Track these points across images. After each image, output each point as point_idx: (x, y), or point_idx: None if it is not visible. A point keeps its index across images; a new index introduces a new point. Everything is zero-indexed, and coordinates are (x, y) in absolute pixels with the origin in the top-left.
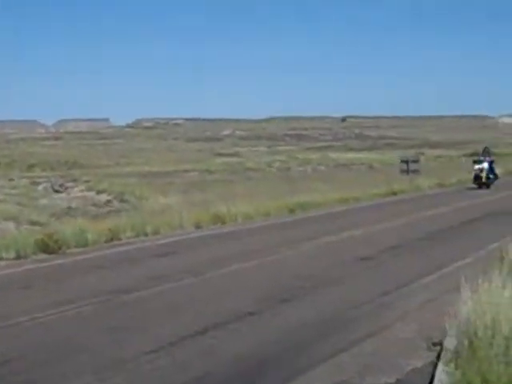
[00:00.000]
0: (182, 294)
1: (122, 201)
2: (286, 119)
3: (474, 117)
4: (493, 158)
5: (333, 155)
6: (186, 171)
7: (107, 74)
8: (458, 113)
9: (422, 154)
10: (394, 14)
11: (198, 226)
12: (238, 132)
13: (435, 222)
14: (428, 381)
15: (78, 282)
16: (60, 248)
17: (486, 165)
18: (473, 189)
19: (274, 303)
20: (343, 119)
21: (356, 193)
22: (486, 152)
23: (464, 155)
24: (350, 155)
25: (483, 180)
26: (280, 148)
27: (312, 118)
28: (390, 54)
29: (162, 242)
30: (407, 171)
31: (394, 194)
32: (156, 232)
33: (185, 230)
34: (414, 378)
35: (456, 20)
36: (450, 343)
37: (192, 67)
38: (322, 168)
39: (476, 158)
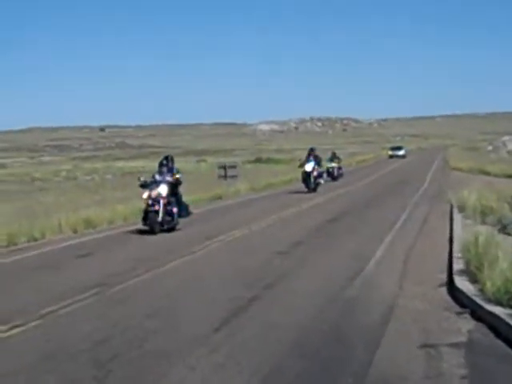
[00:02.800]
0: None
1: None
2: (45, 130)
3: (232, 124)
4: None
5: (118, 164)
6: None
7: None
8: (215, 120)
9: (204, 160)
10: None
11: (74, 231)
12: None
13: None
14: None
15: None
16: None
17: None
18: (291, 192)
19: None
20: (102, 129)
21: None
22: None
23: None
24: (133, 164)
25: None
26: (44, 159)
27: (71, 128)
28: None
29: (73, 242)
30: (225, 176)
31: (220, 197)
32: (42, 236)
33: (65, 234)
34: None
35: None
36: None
37: None
38: (109, 177)
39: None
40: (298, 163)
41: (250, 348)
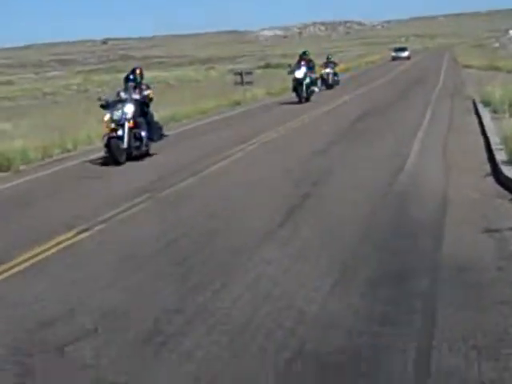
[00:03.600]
0: None
1: None
2: (48, 45)
3: (234, 32)
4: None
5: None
6: None
7: None
8: (217, 29)
9: (213, 67)
10: None
11: None
12: (0, 60)
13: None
14: None
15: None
16: (11, 166)
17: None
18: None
19: None
20: (104, 41)
21: (208, 105)
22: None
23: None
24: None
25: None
26: (49, 74)
27: (73, 43)
28: None
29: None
30: (242, 83)
31: (238, 103)
32: (74, 148)
33: (96, 145)
34: None
35: None
36: None
37: None
38: (120, 88)
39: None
40: (288, 69)
41: (319, 240)
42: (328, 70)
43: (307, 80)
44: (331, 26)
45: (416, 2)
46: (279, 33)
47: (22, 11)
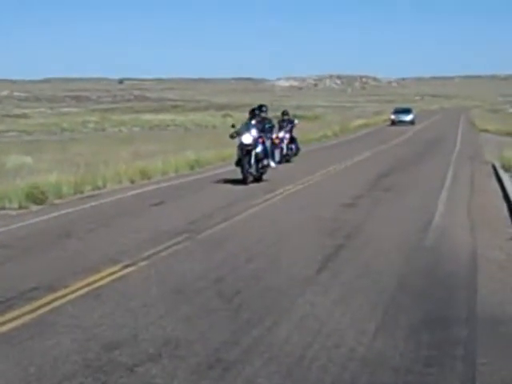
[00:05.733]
0: None
1: None
2: (63, 80)
3: (250, 79)
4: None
5: (144, 117)
6: (2, 132)
7: None
8: (233, 75)
9: (229, 114)
10: None
11: (132, 181)
12: (16, 93)
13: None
14: None
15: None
16: (46, 199)
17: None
18: (328, 147)
19: None
20: (120, 81)
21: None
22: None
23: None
24: (161, 117)
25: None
26: (63, 109)
27: (89, 80)
28: (156, 15)
29: (138, 191)
30: None
31: None
32: (104, 185)
33: (123, 184)
34: None
35: None
36: None
37: None
38: (137, 129)
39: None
40: (232, 131)
41: (358, 286)
42: (281, 134)
43: (258, 148)
44: (347, 79)
45: (432, 61)
46: (295, 83)
47: (41, 45)
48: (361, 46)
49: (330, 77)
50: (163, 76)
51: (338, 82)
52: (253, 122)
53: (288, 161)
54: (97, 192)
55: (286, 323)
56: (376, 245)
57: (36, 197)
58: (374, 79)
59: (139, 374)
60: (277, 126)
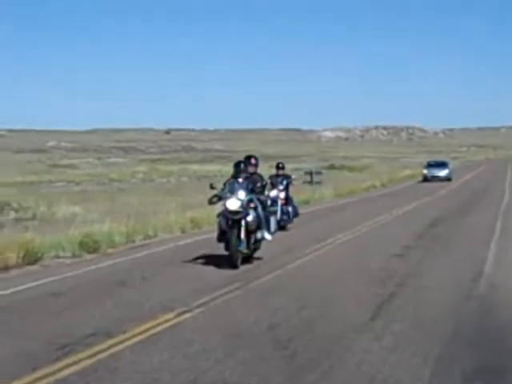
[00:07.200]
0: None
1: (14, 210)
2: (110, 131)
3: (296, 130)
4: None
5: (192, 167)
6: (52, 182)
7: None
8: (279, 126)
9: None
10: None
11: (182, 230)
12: (63, 143)
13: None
14: None
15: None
16: (98, 248)
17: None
18: (375, 198)
19: None
20: (167, 131)
21: None
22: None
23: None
24: (207, 167)
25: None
26: (110, 160)
27: (135, 130)
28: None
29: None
30: (311, 182)
31: (307, 202)
32: (155, 235)
33: (174, 233)
34: None
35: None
36: None
37: (5, 78)
38: (185, 179)
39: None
40: (212, 195)
41: (411, 334)
42: (274, 193)
43: (250, 217)
44: (393, 130)
45: (478, 112)
46: (341, 134)
47: (87, 95)
48: (407, 97)
49: (376, 127)
50: (209, 127)
51: (385, 132)
52: (239, 179)
53: (283, 228)
54: (148, 241)
55: (342, 369)
56: (427, 294)
57: (89, 246)
58: (420, 129)
59: None
60: (268, 182)
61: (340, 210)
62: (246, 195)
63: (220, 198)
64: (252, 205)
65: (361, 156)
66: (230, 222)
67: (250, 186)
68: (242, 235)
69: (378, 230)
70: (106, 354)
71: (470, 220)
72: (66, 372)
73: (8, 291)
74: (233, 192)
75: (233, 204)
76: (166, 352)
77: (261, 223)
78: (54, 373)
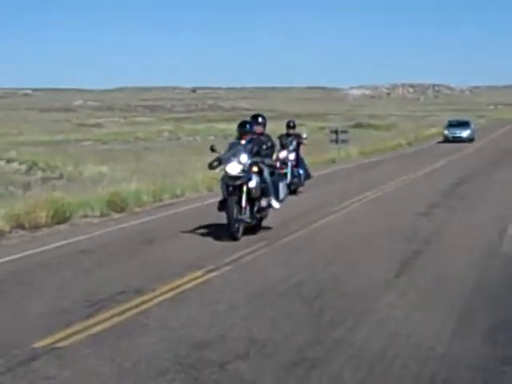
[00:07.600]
0: None
1: (41, 170)
2: (136, 89)
3: (322, 88)
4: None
5: (219, 126)
6: (78, 141)
7: None
8: (306, 84)
9: (303, 124)
10: None
11: (209, 189)
12: (89, 103)
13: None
14: None
15: None
16: (126, 207)
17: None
18: (403, 156)
19: None
20: (193, 90)
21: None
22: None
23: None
24: (234, 126)
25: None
26: (137, 119)
27: (162, 89)
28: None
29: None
30: (336, 141)
31: (333, 161)
32: (182, 194)
33: (201, 192)
34: None
35: None
36: None
37: (33, 37)
38: (212, 138)
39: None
40: (212, 160)
41: (435, 291)
42: (283, 154)
43: (252, 182)
44: (420, 88)
45: (506, 70)
46: (367, 92)
47: (114, 54)
48: (434, 54)
49: (403, 85)
50: (236, 85)
51: (411, 90)
52: (242, 141)
53: (294, 192)
54: (175, 200)
55: (366, 324)
56: (452, 251)
57: (117, 205)
58: (447, 87)
59: (229, 371)
60: (278, 143)
61: (366, 168)
62: (249, 158)
63: (221, 161)
64: (255, 169)
65: (387, 114)
66: (230, 188)
67: (256, 149)
68: (244, 203)
69: (404, 189)
70: (135, 310)
71: (496, 178)
72: (98, 328)
73: (39, 249)
74: (235, 155)
75: (233, 168)
76: (194, 309)
77: (266, 190)
78: (86, 329)
